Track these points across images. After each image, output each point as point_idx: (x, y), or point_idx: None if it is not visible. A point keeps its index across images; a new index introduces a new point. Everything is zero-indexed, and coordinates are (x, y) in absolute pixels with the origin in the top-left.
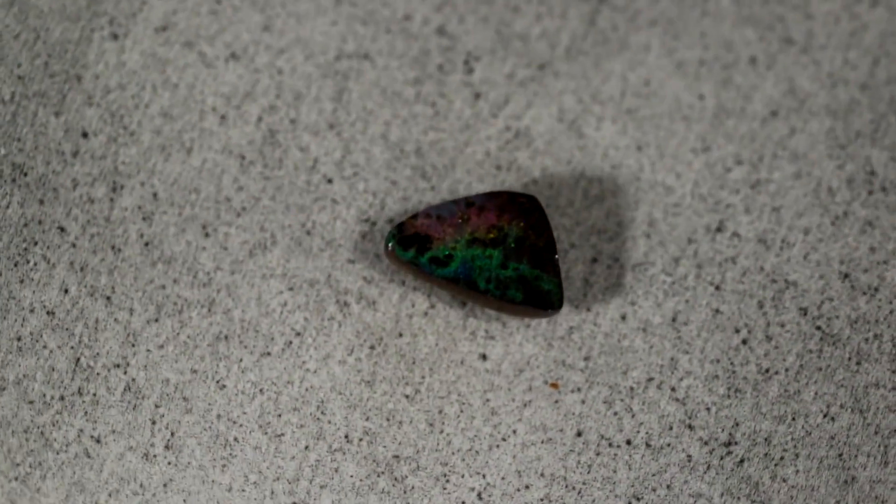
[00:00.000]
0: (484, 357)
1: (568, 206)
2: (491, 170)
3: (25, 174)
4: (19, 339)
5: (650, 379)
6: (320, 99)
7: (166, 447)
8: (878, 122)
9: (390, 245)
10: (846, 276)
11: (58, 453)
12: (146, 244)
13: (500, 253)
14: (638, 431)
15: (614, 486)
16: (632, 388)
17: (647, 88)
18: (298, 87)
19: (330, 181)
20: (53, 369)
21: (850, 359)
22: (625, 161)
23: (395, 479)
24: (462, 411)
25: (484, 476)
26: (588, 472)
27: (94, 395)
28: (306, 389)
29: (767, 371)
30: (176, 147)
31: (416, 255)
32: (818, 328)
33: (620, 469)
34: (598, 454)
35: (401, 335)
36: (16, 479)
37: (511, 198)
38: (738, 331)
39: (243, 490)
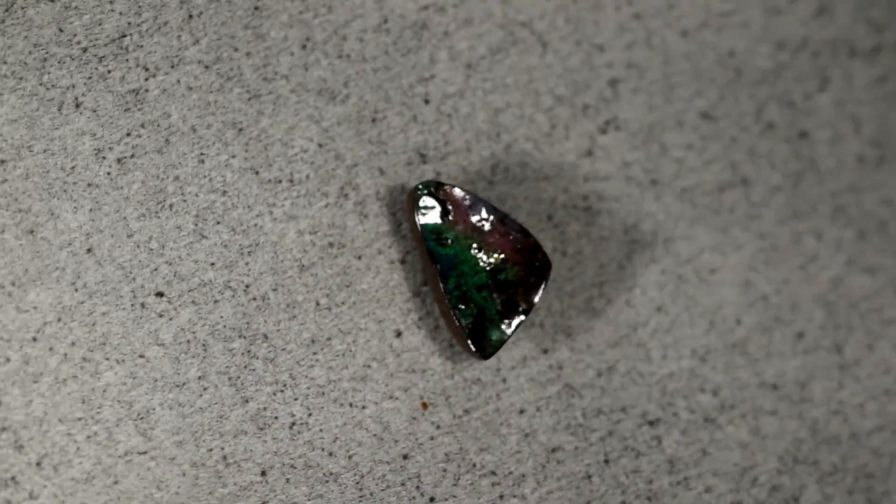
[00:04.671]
0: (398, 334)
1: (567, 296)
2: (542, 213)
3: None
4: None
5: (493, 472)
6: (480, 39)
7: (118, 160)
8: (837, 470)
9: (417, 190)
10: None
11: (45, 87)
12: (256, 8)
13: (485, 277)
14: (446, 500)
15: None
16: (473, 465)
17: (708, 275)
18: (474, 14)
19: (427, 102)
20: (101, 24)
21: None
22: (639, 307)
23: (249, 351)
24: (343, 355)
25: (310, 415)
26: (384, 489)
27: (109, 72)
28: (255, 225)
29: None
30: None
31: (428, 216)
32: None
33: None
34: (403, 485)
35: (359, 258)
36: None
37: (534, 248)
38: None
39: (138, 246)
